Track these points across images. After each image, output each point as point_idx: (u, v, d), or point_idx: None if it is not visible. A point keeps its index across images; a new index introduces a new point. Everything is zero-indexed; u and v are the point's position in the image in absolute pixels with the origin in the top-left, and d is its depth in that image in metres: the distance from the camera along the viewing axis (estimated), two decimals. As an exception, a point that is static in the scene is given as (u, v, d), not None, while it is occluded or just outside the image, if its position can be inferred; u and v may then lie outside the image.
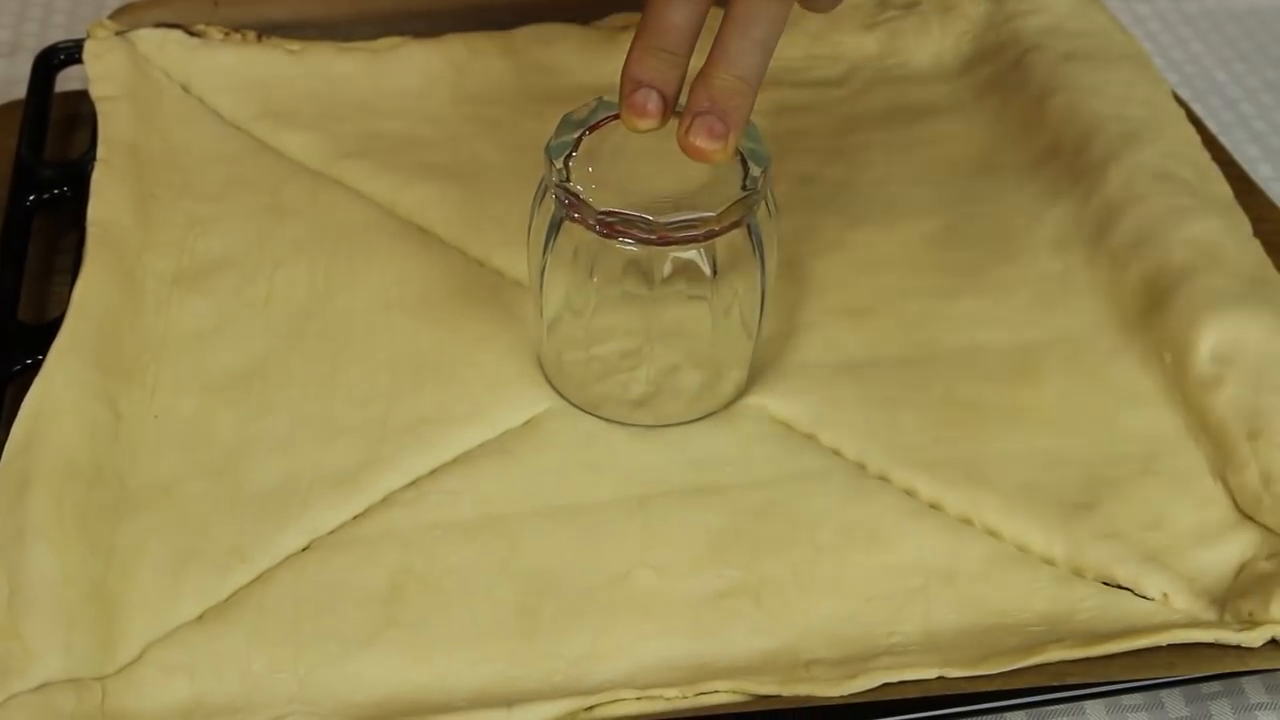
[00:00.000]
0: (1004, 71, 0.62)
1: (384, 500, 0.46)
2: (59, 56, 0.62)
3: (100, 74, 0.59)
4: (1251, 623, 0.41)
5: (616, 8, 0.65)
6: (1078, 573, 0.45)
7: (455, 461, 0.48)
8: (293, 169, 0.58)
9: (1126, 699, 0.44)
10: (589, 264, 0.45)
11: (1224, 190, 0.55)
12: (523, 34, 0.63)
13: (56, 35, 0.70)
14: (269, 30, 0.62)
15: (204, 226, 0.55)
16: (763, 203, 0.45)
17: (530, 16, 0.64)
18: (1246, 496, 0.46)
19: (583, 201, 0.44)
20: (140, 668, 0.41)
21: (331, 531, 0.45)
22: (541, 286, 0.47)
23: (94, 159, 0.55)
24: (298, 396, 0.49)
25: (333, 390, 0.49)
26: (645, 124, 0.43)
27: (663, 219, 0.43)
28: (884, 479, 0.47)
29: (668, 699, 0.40)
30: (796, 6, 0.44)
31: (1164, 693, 0.44)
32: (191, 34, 0.61)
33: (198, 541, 0.44)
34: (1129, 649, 0.41)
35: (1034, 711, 0.43)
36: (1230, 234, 0.53)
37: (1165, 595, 0.44)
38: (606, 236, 0.44)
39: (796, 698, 0.40)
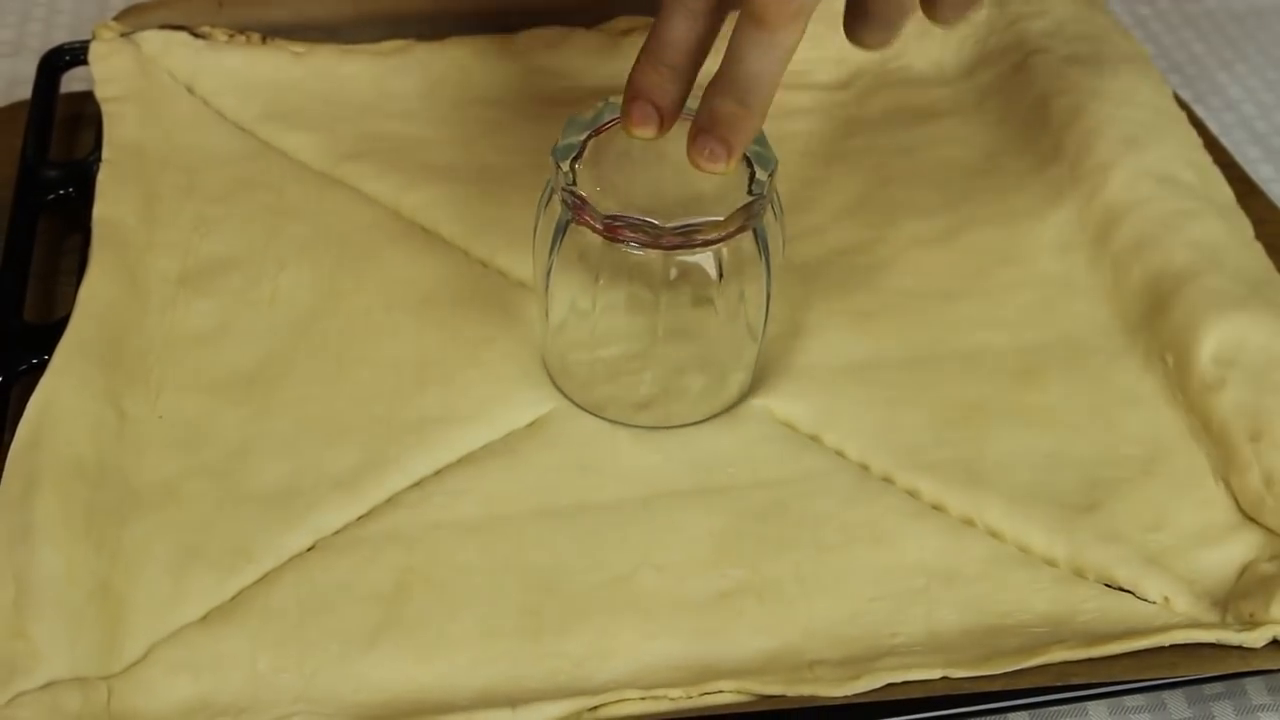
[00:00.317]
0: (1006, 75, 0.62)
1: (388, 501, 0.46)
2: (64, 58, 0.62)
3: (105, 75, 0.59)
4: (1253, 623, 0.42)
5: (620, 11, 0.65)
6: (1079, 574, 0.45)
7: (460, 462, 0.48)
8: (297, 170, 0.58)
9: (1129, 700, 0.44)
10: (595, 266, 0.45)
11: (1226, 192, 0.56)
12: (526, 37, 0.64)
13: (60, 35, 0.70)
14: (273, 32, 0.62)
15: (209, 227, 0.55)
16: (769, 206, 0.45)
17: (534, 20, 0.64)
18: (1248, 498, 0.46)
19: (589, 204, 0.44)
20: (145, 667, 0.41)
21: (336, 532, 0.46)
22: (547, 288, 0.47)
23: (99, 160, 0.55)
24: (302, 397, 0.49)
25: (337, 391, 0.49)
26: (640, 134, 0.43)
27: (669, 224, 0.43)
28: (887, 480, 0.48)
29: (672, 699, 0.40)
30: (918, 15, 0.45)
31: (1167, 694, 0.44)
32: (196, 36, 0.61)
33: (202, 541, 0.45)
34: (1131, 649, 0.41)
35: (1037, 712, 0.43)
36: (1232, 236, 0.53)
37: (1166, 599, 0.44)
38: (612, 240, 0.44)
39: (800, 698, 0.40)
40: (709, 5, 0.43)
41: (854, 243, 0.56)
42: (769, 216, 0.46)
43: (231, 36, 0.62)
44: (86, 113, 0.60)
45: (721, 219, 0.44)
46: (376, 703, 0.41)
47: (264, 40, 0.62)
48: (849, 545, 0.45)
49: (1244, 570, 0.44)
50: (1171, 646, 0.41)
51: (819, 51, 0.60)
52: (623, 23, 0.64)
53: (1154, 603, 0.44)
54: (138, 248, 0.53)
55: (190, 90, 0.61)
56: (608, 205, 0.44)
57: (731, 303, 0.46)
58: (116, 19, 0.62)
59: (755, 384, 0.50)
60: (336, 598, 0.43)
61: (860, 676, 0.40)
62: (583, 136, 0.45)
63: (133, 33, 0.61)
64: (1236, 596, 0.43)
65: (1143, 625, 0.43)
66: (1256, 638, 0.41)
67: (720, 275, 0.45)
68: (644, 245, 0.44)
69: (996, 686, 0.41)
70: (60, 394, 0.46)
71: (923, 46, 0.65)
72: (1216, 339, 0.49)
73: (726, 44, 0.42)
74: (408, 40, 0.63)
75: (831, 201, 0.58)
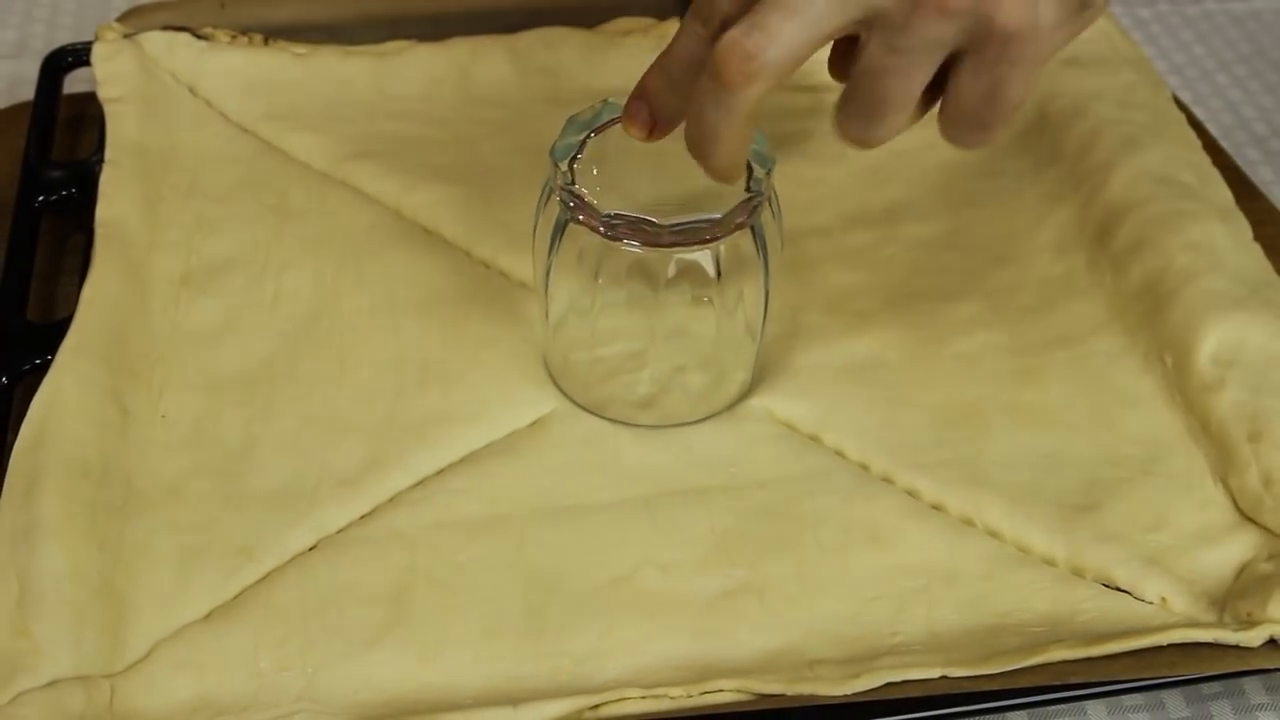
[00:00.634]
0: (1006, 76, 0.62)
1: (391, 500, 0.47)
2: (67, 59, 0.62)
3: (108, 76, 0.59)
4: (1250, 622, 0.42)
5: (620, 12, 0.65)
6: (1078, 574, 0.45)
7: (462, 462, 0.48)
8: (299, 170, 0.59)
9: (1128, 699, 0.44)
10: (594, 266, 0.45)
11: (1225, 194, 0.56)
12: (527, 37, 0.64)
13: (62, 36, 0.70)
14: (275, 33, 0.63)
15: (211, 227, 0.55)
16: (766, 205, 0.46)
17: (535, 20, 0.64)
18: (1247, 498, 0.46)
19: (587, 204, 0.44)
20: (148, 665, 0.42)
21: (338, 531, 0.46)
22: (547, 288, 0.47)
23: (101, 160, 0.56)
24: (304, 396, 0.49)
25: (339, 390, 0.50)
26: (634, 133, 0.44)
27: (667, 222, 0.43)
28: (887, 480, 0.48)
29: (673, 698, 0.41)
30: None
31: (1165, 693, 0.44)
32: (199, 37, 0.61)
33: (205, 540, 0.45)
34: (1130, 649, 0.41)
35: (1036, 711, 0.43)
36: (1231, 237, 0.53)
37: (1163, 599, 0.44)
38: (611, 239, 0.44)
39: (801, 696, 0.41)
40: (716, 30, 0.41)
41: (854, 243, 0.56)
42: (767, 215, 0.46)
43: (234, 37, 0.62)
44: (89, 113, 0.60)
45: (719, 217, 0.44)
46: (378, 701, 0.41)
47: (266, 41, 0.62)
48: (849, 545, 0.45)
49: (1242, 570, 0.44)
50: (1170, 646, 0.41)
51: (820, 53, 0.60)
52: (623, 24, 0.65)
53: (1151, 603, 0.44)
54: (140, 248, 0.53)
55: (192, 91, 0.61)
56: (606, 204, 0.44)
57: (730, 302, 0.46)
58: (119, 20, 0.62)
59: (755, 384, 0.50)
60: (339, 597, 0.43)
61: (860, 675, 0.41)
62: (581, 136, 0.45)
63: (135, 34, 0.61)
64: (1234, 596, 0.43)
65: (1141, 625, 0.43)
66: (1254, 637, 0.41)
67: (719, 274, 0.45)
68: (642, 244, 0.44)
69: (995, 686, 0.41)
70: (63, 394, 0.46)
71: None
72: (1215, 340, 0.49)
73: None
74: (409, 41, 0.64)
75: (831, 203, 0.58)
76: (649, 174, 0.45)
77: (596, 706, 0.40)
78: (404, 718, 0.40)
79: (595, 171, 0.45)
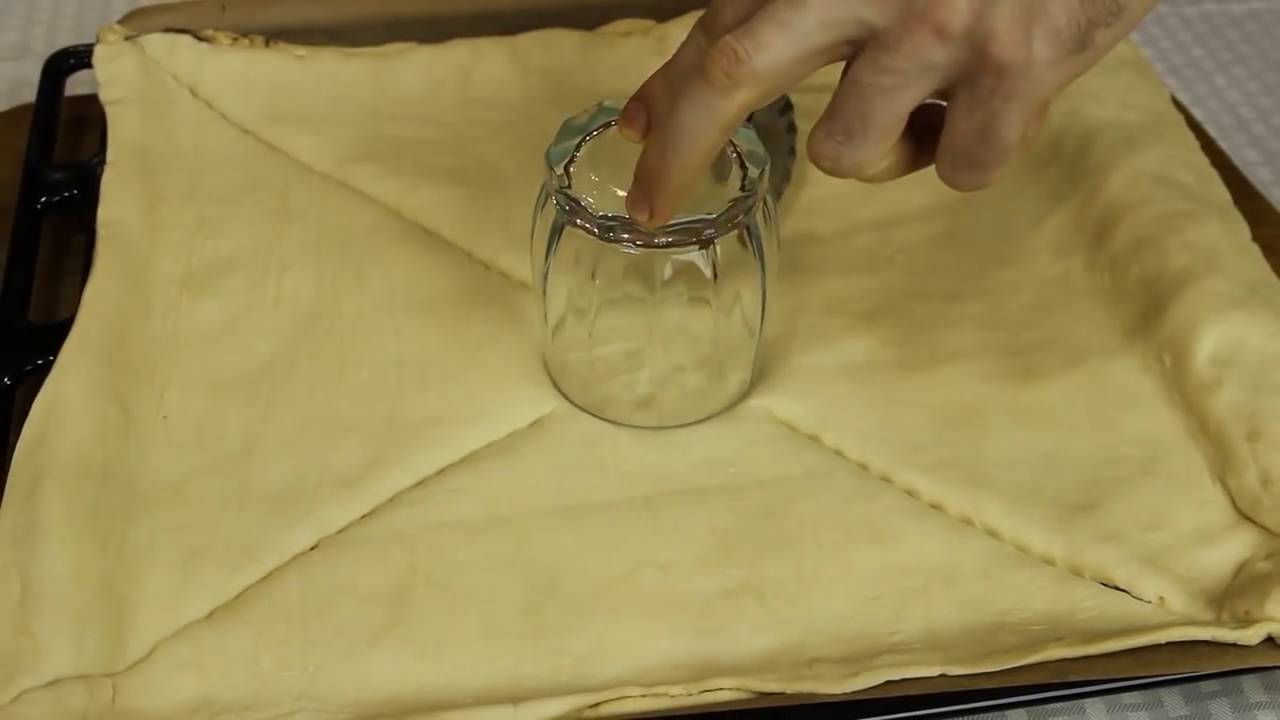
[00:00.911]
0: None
1: (391, 500, 0.47)
2: (69, 61, 0.63)
3: (110, 78, 0.59)
4: (1248, 621, 0.42)
5: (620, 13, 0.65)
6: (1077, 573, 0.45)
7: (462, 462, 0.48)
8: (300, 172, 0.59)
9: (1126, 698, 0.44)
10: (591, 267, 0.46)
11: (1223, 194, 0.56)
12: (527, 39, 0.64)
13: (64, 38, 0.70)
14: (276, 35, 0.63)
15: (212, 228, 0.56)
16: (761, 205, 0.46)
17: (535, 22, 0.64)
18: (1245, 498, 0.46)
19: (582, 206, 0.44)
20: (150, 665, 0.42)
21: (339, 531, 0.46)
22: (545, 290, 0.47)
23: (103, 161, 0.56)
24: (305, 397, 0.49)
25: (340, 391, 0.50)
26: (629, 135, 0.44)
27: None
28: (886, 479, 0.48)
29: (672, 696, 0.41)
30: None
31: (1163, 692, 0.44)
32: (200, 39, 0.62)
33: (207, 540, 0.45)
34: (1129, 647, 0.41)
35: (1034, 709, 0.43)
36: (1229, 238, 0.53)
37: (1162, 598, 0.44)
38: (606, 240, 0.45)
39: (800, 695, 0.41)
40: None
41: (853, 244, 0.56)
42: (761, 215, 0.46)
43: (235, 39, 0.62)
44: (91, 115, 0.60)
45: (713, 216, 0.44)
46: (379, 700, 0.41)
47: (267, 43, 0.63)
48: (849, 544, 0.45)
49: (1240, 569, 0.44)
50: (1169, 644, 0.42)
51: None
52: (622, 26, 0.65)
53: (1150, 602, 0.44)
54: (142, 249, 0.53)
55: (194, 93, 0.61)
56: (602, 206, 0.44)
57: (727, 301, 0.46)
58: (120, 22, 0.62)
59: (755, 384, 0.50)
60: (340, 596, 0.44)
61: (859, 674, 0.41)
62: (577, 140, 0.46)
63: (137, 36, 0.61)
64: (1232, 595, 0.43)
65: (1140, 624, 0.43)
66: (1252, 635, 0.41)
67: (714, 274, 0.45)
68: (637, 245, 0.44)
69: (994, 684, 0.41)
70: (65, 394, 0.46)
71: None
72: (1214, 340, 0.49)
73: None
74: (410, 43, 0.64)
75: (831, 203, 0.58)
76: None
77: (596, 705, 0.41)
78: (405, 717, 0.40)
79: (592, 173, 0.45)
